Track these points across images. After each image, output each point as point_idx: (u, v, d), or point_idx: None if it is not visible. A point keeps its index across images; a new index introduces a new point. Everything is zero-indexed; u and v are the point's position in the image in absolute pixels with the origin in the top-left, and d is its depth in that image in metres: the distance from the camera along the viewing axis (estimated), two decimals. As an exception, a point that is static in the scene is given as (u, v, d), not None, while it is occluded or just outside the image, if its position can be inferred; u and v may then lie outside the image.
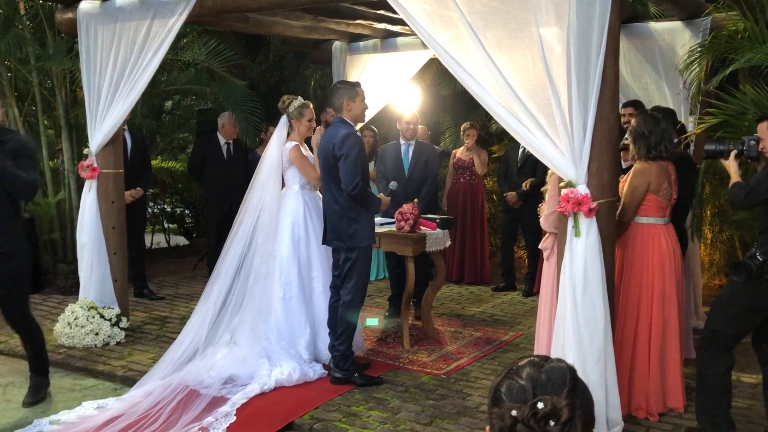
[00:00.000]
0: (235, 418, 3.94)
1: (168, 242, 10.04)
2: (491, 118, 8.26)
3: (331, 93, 4.64)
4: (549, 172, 3.93)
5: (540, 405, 1.18)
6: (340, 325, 4.44)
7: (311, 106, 4.91)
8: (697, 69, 4.94)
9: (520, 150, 6.97)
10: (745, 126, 4.45)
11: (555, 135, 3.58)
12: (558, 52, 3.56)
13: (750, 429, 3.86)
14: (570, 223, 3.58)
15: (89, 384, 4.59)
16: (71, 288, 6.63)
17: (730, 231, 7.15)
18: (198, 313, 4.75)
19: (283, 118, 4.90)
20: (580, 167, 3.55)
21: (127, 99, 5.22)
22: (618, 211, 3.96)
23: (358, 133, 4.48)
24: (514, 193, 6.93)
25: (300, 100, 4.87)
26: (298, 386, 4.42)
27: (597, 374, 3.56)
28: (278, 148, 4.86)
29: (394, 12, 5.10)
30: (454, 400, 4.22)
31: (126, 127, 6.27)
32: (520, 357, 1.30)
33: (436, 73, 8.45)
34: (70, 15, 5.46)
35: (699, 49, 4.97)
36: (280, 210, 4.81)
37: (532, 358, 1.30)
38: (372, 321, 3.68)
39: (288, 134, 4.91)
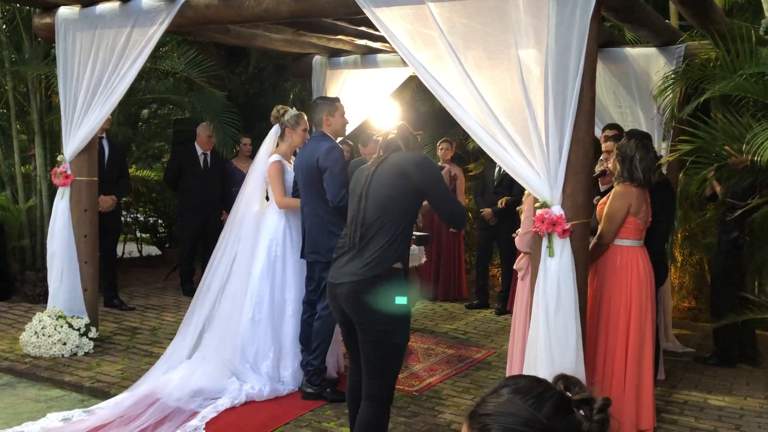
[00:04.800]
0: (204, 432, 3.89)
1: (140, 252, 9.92)
2: (469, 136, 8.42)
3: (310, 108, 4.65)
4: (526, 192, 3.97)
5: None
6: (315, 340, 4.42)
7: (305, 116, 4.84)
8: (671, 95, 5.05)
9: (497, 169, 7.04)
10: (715, 151, 4.56)
11: (531, 156, 3.63)
12: (536, 74, 3.62)
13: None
14: (544, 243, 3.62)
15: (55, 395, 4.49)
16: (39, 296, 6.51)
17: (700, 254, 7.27)
18: (179, 335, 4.69)
19: (274, 129, 4.81)
20: (556, 188, 3.60)
21: (104, 107, 5.16)
22: (597, 233, 4.02)
23: (349, 143, 4.49)
24: (489, 210, 6.99)
25: (294, 110, 4.84)
26: (269, 401, 4.38)
27: (568, 394, 3.58)
28: (265, 160, 4.78)
29: (375, 29, 5.15)
30: (426, 418, 4.21)
31: (104, 134, 6.21)
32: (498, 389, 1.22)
33: (415, 90, 8.51)
34: (48, 20, 5.40)
35: (672, 76, 5.08)
36: (259, 225, 4.72)
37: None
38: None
39: (277, 145, 4.82)
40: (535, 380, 1.18)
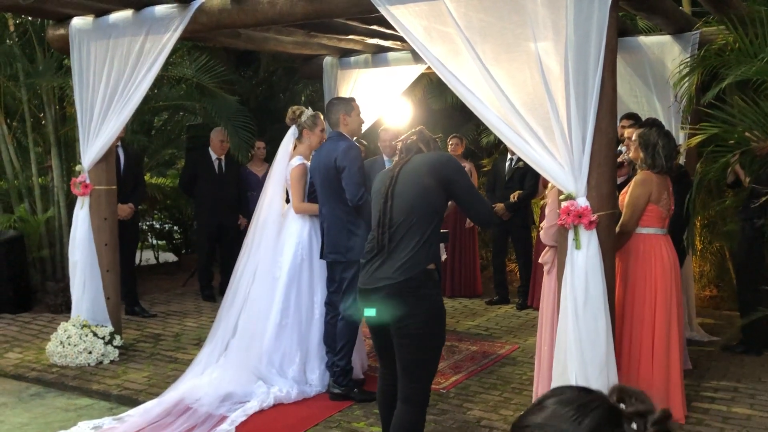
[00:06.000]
0: (234, 436, 3.90)
1: (157, 259, 9.96)
2: (481, 131, 8.43)
3: (326, 109, 4.65)
4: (549, 185, 3.95)
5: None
6: (340, 340, 4.41)
7: (322, 116, 4.82)
8: (688, 83, 5.01)
9: (507, 163, 7.03)
10: (735, 138, 4.52)
11: (554, 148, 3.61)
12: (556, 66, 3.59)
13: (750, 439, 3.89)
14: (570, 235, 3.60)
15: (84, 403, 4.51)
16: (61, 306, 6.54)
17: (720, 242, 7.22)
18: (207, 345, 4.69)
19: (291, 130, 4.77)
20: (580, 180, 3.58)
21: (121, 115, 5.17)
22: (620, 222, 3.99)
23: (363, 142, 4.50)
24: (501, 204, 6.94)
25: (310, 110, 4.81)
26: (297, 403, 4.38)
27: (599, 387, 3.54)
28: (284, 162, 4.74)
29: (387, 27, 5.14)
30: (455, 415, 4.20)
31: (120, 143, 6.23)
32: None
33: (427, 88, 8.49)
34: (62, 31, 5.42)
35: (689, 63, 5.04)
36: (283, 229, 4.69)
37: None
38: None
39: (294, 147, 4.79)
40: (582, 390, 1.09)
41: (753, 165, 4.46)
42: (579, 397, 1.06)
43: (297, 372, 4.54)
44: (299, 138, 4.76)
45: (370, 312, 3.10)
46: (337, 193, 4.36)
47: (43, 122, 6.96)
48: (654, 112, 5.65)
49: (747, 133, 4.20)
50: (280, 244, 4.66)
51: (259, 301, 4.59)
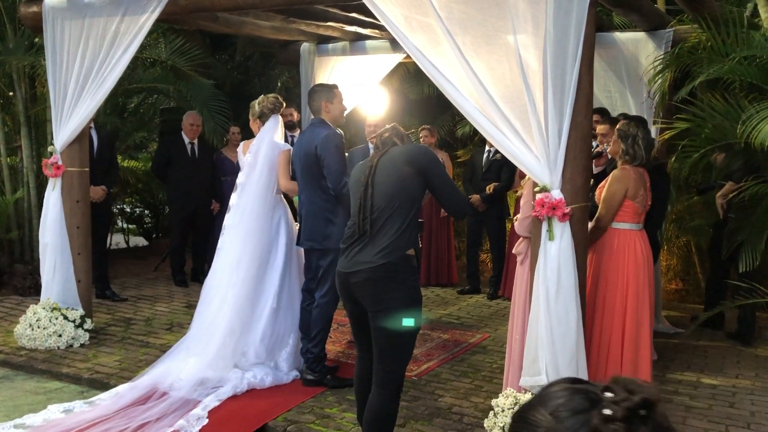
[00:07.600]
0: (207, 420, 3.89)
1: (127, 243, 9.85)
2: (457, 122, 8.47)
3: (308, 96, 4.64)
4: (525, 177, 4.00)
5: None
6: (315, 327, 4.43)
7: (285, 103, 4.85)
8: (661, 80, 5.11)
9: (485, 155, 7.08)
10: (706, 132, 4.64)
11: (531, 141, 3.66)
12: (534, 59, 3.63)
13: (711, 427, 4.00)
14: (544, 227, 3.66)
15: (54, 387, 4.47)
16: (30, 289, 6.46)
17: (687, 237, 7.38)
18: (192, 326, 4.68)
19: (275, 120, 4.69)
20: (555, 173, 3.63)
21: (95, 97, 5.09)
22: (595, 217, 4.07)
23: (338, 131, 4.51)
24: (477, 196, 7.00)
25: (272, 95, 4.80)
26: (270, 389, 4.39)
27: (569, 376, 3.64)
28: (275, 150, 4.64)
29: (366, 15, 5.14)
30: (427, 402, 4.25)
31: (92, 124, 6.13)
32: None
33: (404, 77, 8.51)
34: (34, 8, 5.31)
35: (662, 59, 5.14)
36: (274, 215, 4.67)
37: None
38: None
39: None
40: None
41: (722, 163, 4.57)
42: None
43: (288, 354, 4.60)
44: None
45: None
46: (317, 181, 4.37)
47: (13, 102, 6.82)
48: (627, 107, 5.74)
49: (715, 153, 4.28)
50: (270, 231, 4.63)
51: (244, 285, 4.53)
